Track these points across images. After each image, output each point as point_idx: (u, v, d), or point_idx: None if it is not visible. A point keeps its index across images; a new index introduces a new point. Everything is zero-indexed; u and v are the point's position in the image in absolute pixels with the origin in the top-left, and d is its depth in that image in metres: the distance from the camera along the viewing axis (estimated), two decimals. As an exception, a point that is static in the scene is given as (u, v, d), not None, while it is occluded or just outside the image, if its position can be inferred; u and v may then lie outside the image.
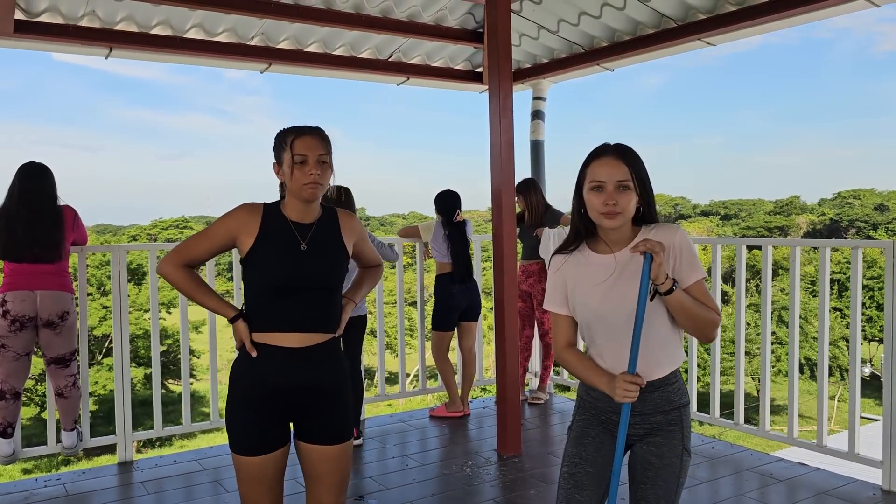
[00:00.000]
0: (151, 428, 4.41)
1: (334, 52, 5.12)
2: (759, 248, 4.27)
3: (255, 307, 2.13)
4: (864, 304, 27.33)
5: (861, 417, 3.92)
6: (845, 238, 42.73)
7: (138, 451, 18.38)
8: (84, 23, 4.26)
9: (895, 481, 3.51)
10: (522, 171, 5.03)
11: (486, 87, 4.73)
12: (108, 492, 3.71)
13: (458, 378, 5.21)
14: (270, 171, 2.19)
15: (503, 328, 4.16)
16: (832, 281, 26.67)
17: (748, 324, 22.21)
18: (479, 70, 5.68)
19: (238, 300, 4.17)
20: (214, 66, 5.12)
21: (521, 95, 5.82)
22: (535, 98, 5.86)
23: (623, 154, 1.93)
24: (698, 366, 4.54)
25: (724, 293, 24.61)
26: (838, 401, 26.77)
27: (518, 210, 4.95)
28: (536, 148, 5.83)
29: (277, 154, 2.15)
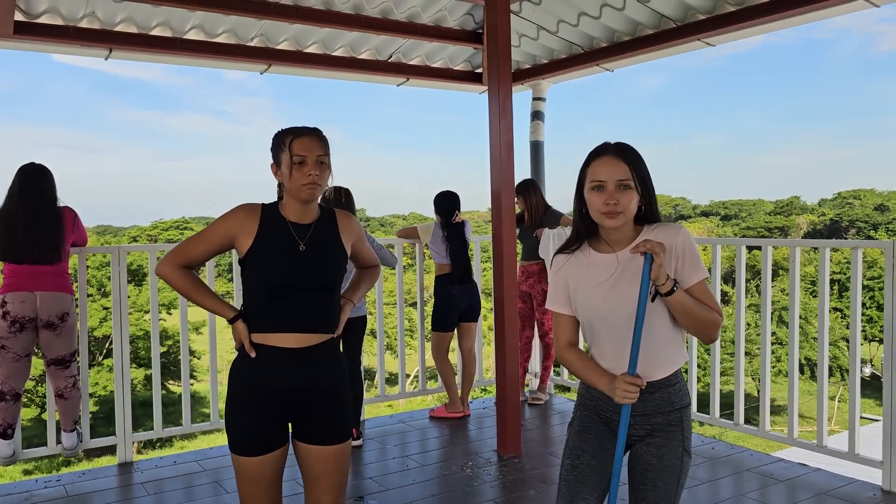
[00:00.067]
0: (151, 429, 4.41)
1: (334, 53, 5.12)
2: (759, 248, 4.27)
3: (253, 308, 2.13)
4: (864, 304, 27.36)
5: (861, 418, 3.92)
6: (845, 238, 42.70)
7: (138, 452, 18.37)
8: (84, 24, 4.26)
9: (895, 482, 3.51)
10: (522, 171, 5.04)
11: (486, 87, 4.73)
12: (108, 493, 3.71)
13: (457, 379, 5.21)
14: (270, 172, 2.20)
15: (503, 329, 4.16)
16: (833, 281, 26.68)
17: (748, 324, 22.23)
18: (479, 71, 5.68)
19: (238, 301, 4.17)
20: (214, 67, 5.12)
21: (521, 96, 5.83)
22: (535, 99, 5.86)
23: (623, 153, 1.92)
24: (698, 366, 4.54)
25: (724, 293, 24.62)
26: (838, 401, 26.77)
27: (518, 211, 4.95)
28: (536, 148, 5.84)
29: (275, 155, 2.15)
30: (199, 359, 23.24)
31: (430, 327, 5.11)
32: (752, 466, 3.91)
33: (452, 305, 4.95)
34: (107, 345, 23.97)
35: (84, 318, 4.11)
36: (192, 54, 4.65)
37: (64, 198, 3.92)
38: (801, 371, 25.13)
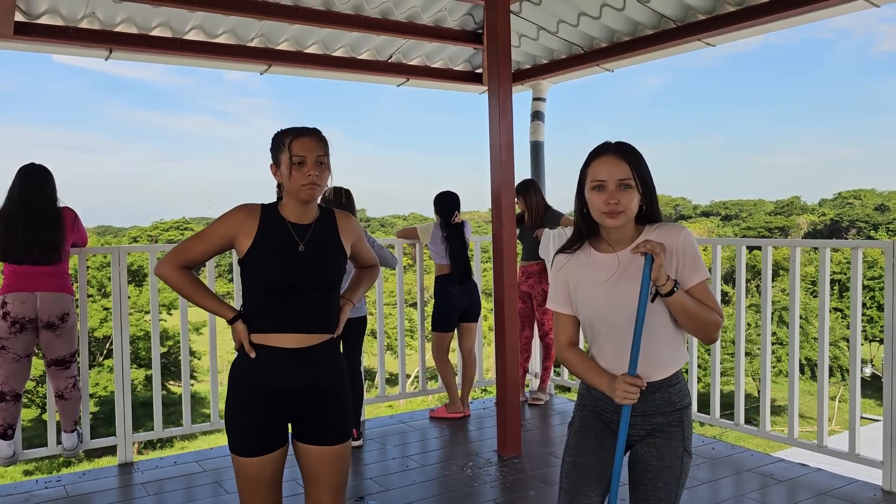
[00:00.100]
0: (152, 429, 4.41)
1: (334, 54, 5.12)
2: (759, 248, 4.27)
3: (253, 308, 2.13)
4: (864, 304, 27.34)
5: (862, 418, 3.92)
6: (846, 238, 42.69)
7: (139, 453, 18.37)
8: (84, 24, 4.26)
9: (895, 482, 3.51)
10: (522, 172, 5.04)
11: (486, 88, 4.73)
12: (108, 493, 3.71)
13: (458, 379, 5.20)
14: (270, 173, 2.19)
15: (503, 329, 4.15)
16: (833, 281, 26.66)
17: (749, 324, 22.22)
18: (479, 71, 5.68)
19: (239, 301, 4.17)
20: (214, 68, 5.12)
21: (521, 96, 5.83)
22: (535, 99, 5.86)
23: (624, 152, 1.92)
24: (699, 366, 4.54)
25: (724, 294, 24.62)
26: (839, 401, 26.76)
27: (518, 211, 4.95)
28: (536, 149, 5.84)
29: (275, 155, 2.15)
30: (199, 359, 23.25)
31: (430, 328, 5.11)
32: (753, 467, 3.91)
33: (452, 305, 4.95)
34: (107, 345, 23.97)
35: (84, 318, 4.11)
36: (192, 55, 4.65)
37: (64, 198, 3.92)
38: (802, 371, 25.12)
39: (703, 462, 3.97)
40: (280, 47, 4.88)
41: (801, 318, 4.79)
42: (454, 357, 5.30)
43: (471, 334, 5.15)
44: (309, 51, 5.02)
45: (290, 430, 2.21)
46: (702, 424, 4.71)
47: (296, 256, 2.11)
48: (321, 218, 2.21)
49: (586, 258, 2.01)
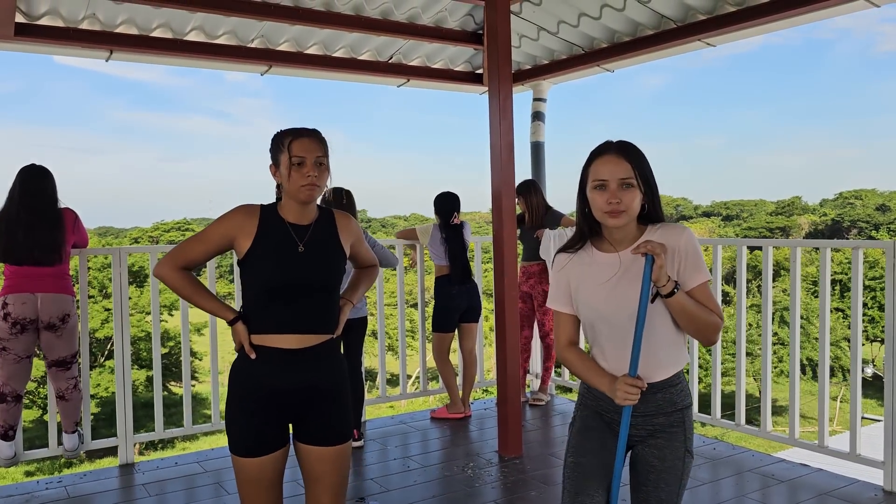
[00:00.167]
0: (153, 430, 4.41)
1: (334, 54, 5.13)
2: (759, 248, 4.27)
3: (253, 309, 2.13)
4: (866, 304, 27.33)
5: (863, 418, 3.92)
6: (847, 238, 42.67)
7: (140, 454, 18.38)
8: (85, 25, 4.26)
9: (897, 482, 3.50)
10: (523, 172, 5.04)
11: (487, 88, 4.73)
12: (109, 494, 3.71)
13: (459, 380, 5.20)
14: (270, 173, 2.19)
15: (504, 330, 4.15)
16: (835, 281, 26.63)
17: (750, 324, 22.20)
18: (480, 72, 5.68)
19: (239, 302, 4.18)
20: (215, 69, 5.12)
21: (522, 97, 5.83)
22: (536, 99, 5.86)
23: (625, 151, 1.91)
24: (700, 367, 4.54)
25: (725, 294, 24.63)
26: (840, 401, 26.73)
27: (518, 211, 4.95)
28: (537, 149, 5.84)
29: (274, 156, 2.15)
30: (200, 360, 23.27)
31: (430, 328, 5.11)
32: (754, 467, 3.91)
33: (452, 306, 4.95)
34: (108, 346, 23.97)
35: (85, 319, 4.12)
36: (192, 56, 4.66)
37: (65, 199, 3.92)
38: (803, 371, 25.10)
39: (705, 462, 3.97)
40: (280, 48, 4.89)
41: (802, 318, 4.78)
42: (455, 357, 5.30)
43: (471, 335, 5.15)
44: (309, 51, 5.02)
45: (290, 431, 2.21)
46: (703, 425, 4.70)
47: (295, 257, 2.11)
48: (320, 218, 2.21)
49: (588, 258, 2.00)
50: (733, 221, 56.78)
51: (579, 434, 2.06)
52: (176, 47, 4.54)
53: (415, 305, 8.21)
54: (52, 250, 3.76)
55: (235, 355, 2.17)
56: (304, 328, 2.11)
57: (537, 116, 5.86)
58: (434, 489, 3.74)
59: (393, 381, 23.05)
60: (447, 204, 4.94)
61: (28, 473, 19.81)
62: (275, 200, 2.21)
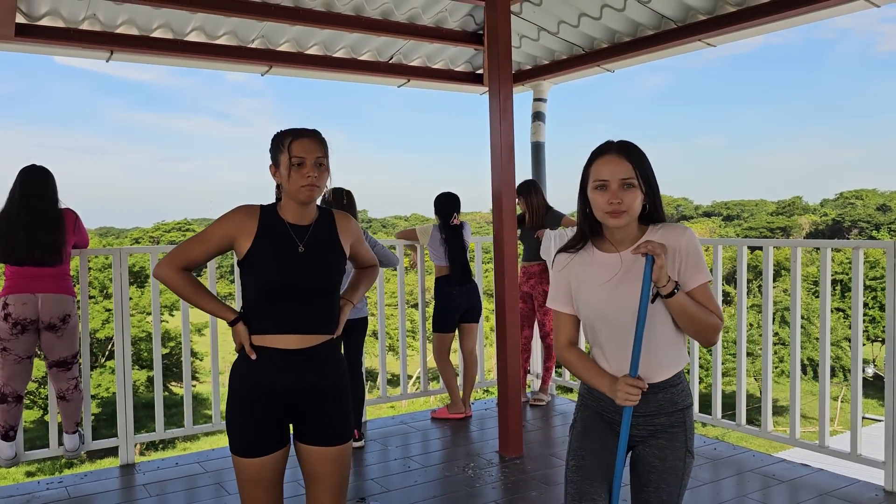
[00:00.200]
0: (154, 430, 4.42)
1: (335, 55, 5.13)
2: (760, 248, 4.27)
3: (253, 309, 2.13)
4: (866, 304, 27.31)
5: (864, 418, 3.92)
6: (848, 238, 42.66)
7: (140, 454, 18.38)
8: (85, 26, 4.27)
9: (898, 482, 3.50)
10: (523, 172, 5.04)
11: (487, 88, 4.73)
12: (110, 494, 3.72)
13: (459, 380, 5.21)
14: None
15: (504, 330, 4.15)
16: (835, 281, 26.60)
17: (750, 324, 22.19)
18: (480, 72, 5.68)
19: (240, 303, 4.18)
20: (215, 69, 5.12)
21: (522, 97, 5.83)
22: (536, 100, 5.86)
23: (626, 151, 1.91)
24: (700, 367, 4.54)
25: (725, 294, 24.62)
26: (841, 401, 26.72)
27: (519, 212, 4.95)
28: (537, 149, 5.84)
29: (274, 156, 2.15)
30: (201, 360, 23.29)
31: (431, 328, 5.11)
32: (755, 467, 3.91)
33: (452, 306, 4.95)
34: (109, 346, 23.98)
35: (86, 319, 4.12)
36: (193, 56, 4.66)
37: (65, 200, 3.92)
38: (804, 371, 25.09)
39: (705, 462, 3.97)
40: (281, 48, 4.89)
41: (802, 318, 4.78)
42: (455, 358, 5.30)
43: (472, 335, 5.15)
44: (310, 52, 5.02)
45: (291, 431, 2.21)
46: (703, 425, 4.70)
47: (295, 257, 2.11)
48: (320, 219, 2.21)
49: (589, 258, 2.00)
50: (734, 221, 56.75)
51: (580, 435, 2.06)
52: (176, 48, 4.54)
53: (415, 306, 8.21)
54: (52, 251, 3.76)
55: (236, 356, 2.17)
56: (304, 328, 2.11)
57: (537, 117, 5.86)
58: (435, 489, 3.74)
59: (393, 381, 23.06)
60: (447, 204, 4.95)
61: (29, 474, 19.82)
62: (275, 201, 2.21)
